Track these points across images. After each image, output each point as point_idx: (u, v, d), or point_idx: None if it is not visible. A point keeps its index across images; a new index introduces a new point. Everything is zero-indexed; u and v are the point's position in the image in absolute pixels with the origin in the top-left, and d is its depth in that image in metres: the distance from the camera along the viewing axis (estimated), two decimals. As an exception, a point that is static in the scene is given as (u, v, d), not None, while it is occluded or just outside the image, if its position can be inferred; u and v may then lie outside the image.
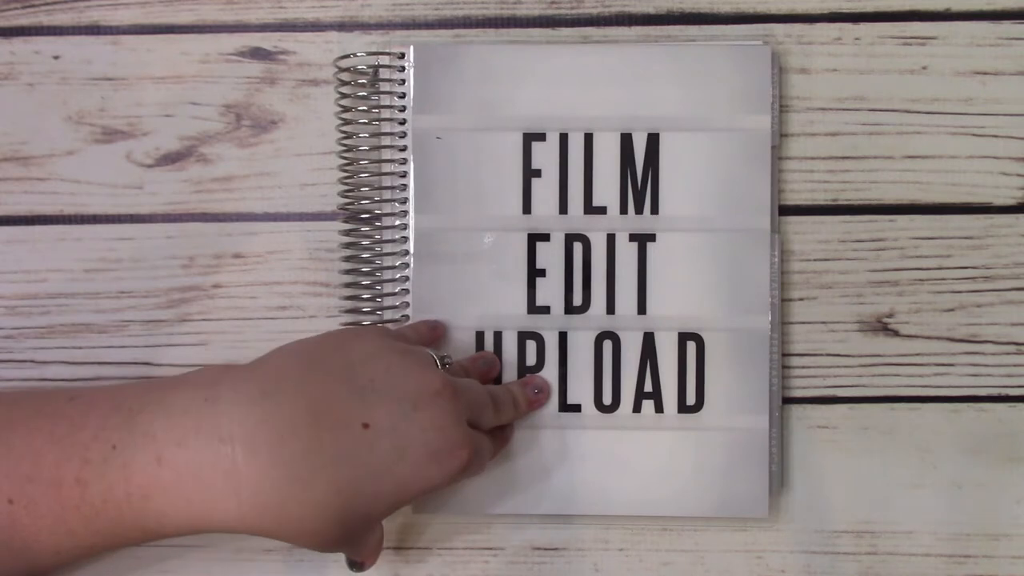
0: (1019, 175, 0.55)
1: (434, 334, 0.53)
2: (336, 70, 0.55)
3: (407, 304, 0.54)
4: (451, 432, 0.46)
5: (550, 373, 0.54)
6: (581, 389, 0.54)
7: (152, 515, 0.44)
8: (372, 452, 0.45)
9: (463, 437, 0.47)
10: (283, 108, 0.56)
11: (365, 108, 0.55)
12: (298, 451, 0.44)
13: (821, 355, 0.55)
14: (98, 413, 0.45)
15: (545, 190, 0.54)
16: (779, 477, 0.54)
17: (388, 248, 0.55)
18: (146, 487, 0.44)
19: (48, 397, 0.47)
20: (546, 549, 0.55)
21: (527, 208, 0.54)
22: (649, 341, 0.54)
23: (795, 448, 0.55)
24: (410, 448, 0.45)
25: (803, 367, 0.55)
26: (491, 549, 0.55)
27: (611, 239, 0.54)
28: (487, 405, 0.50)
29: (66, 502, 0.44)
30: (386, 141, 0.55)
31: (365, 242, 0.55)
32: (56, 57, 0.56)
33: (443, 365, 0.49)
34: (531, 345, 0.54)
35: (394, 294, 0.55)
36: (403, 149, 0.55)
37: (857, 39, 0.55)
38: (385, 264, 0.55)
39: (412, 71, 0.54)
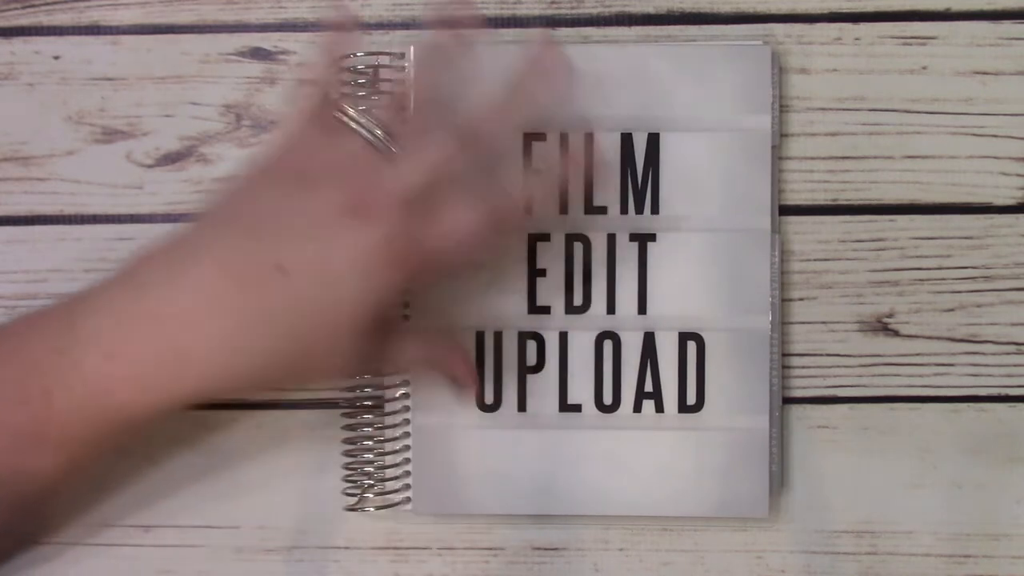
0: (1019, 175, 0.55)
1: (342, 38, 0.51)
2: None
3: (407, 304, 0.54)
4: (364, 193, 0.45)
5: (550, 373, 0.54)
6: (581, 389, 0.54)
7: (115, 408, 0.46)
8: (299, 287, 0.45)
9: (385, 196, 0.45)
10: (283, 108, 0.56)
11: (365, 108, 0.55)
12: (232, 313, 0.45)
13: (821, 355, 0.55)
14: (42, 328, 0.47)
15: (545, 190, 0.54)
16: (779, 477, 0.54)
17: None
18: (105, 383, 0.45)
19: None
20: (546, 549, 0.55)
21: (527, 208, 0.54)
22: (649, 341, 0.54)
23: (795, 448, 0.55)
24: (333, 252, 0.45)
25: (803, 367, 0.55)
26: (491, 549, 0.55)
27: (611, 239, 0.54)
28: (447, 152, 0.46)
29: (37, 415, 0.45)
30: (386, 141, 0.55)
31: (365, 242, 0.55)
32: (56, 57, 0.56)
33: (380, 136, 0.47)
34: (531, 345, 0.54)
35: (394, 294, 0.54)
36: (403, 149, 0.55)
37: (857, 39, 0.55)
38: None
39: (412, 71, 0.54)
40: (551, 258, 0.54)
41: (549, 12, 0.55)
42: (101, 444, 0.47)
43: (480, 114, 0.48)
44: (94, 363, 0.45)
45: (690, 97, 0.54)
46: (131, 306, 0.45)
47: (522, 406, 0.54)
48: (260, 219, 0.46)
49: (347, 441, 0.54)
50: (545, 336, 0.54)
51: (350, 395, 0.55)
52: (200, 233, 0.47)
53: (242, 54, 0.56)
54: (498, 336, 0.54)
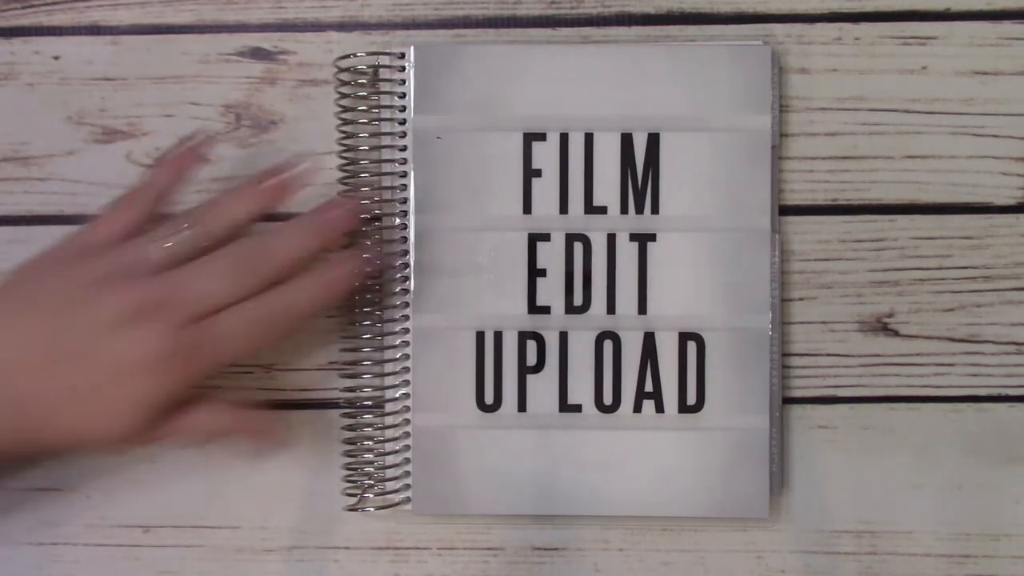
0: (1019, 175, 0.55)
1: (174, 173, 0.52)
2: (336, 70, 0.55)
3: (407, 304, 0.54)
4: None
5: (550, 373, 0.54)
6: (582, 389, 0.54)
7: None
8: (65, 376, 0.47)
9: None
10: (283, 108, 0.56)
11: (365, 108, 0.55)
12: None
13: (821, 355, 0.55)
14: None
15: (545, 190, 0.54)
16: (779, 477, 0.54)
17: (388, 248, 0.55)
18: None
19: None
20: (546, 549, 0.55)
21: (527, 208, 0.54)
22: (649, 341, 0.54)
23: (795, 448, 0.55)
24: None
25: (803, 367, 0.55)
26: (491, 549, 0.55)
27: (611, 239, 0.54)
28: (219, 278, 0.49)
29: None
30: (386, 141, 0.55)
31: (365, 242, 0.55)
32: (56, 57, 0.56)
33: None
34: (531, 345, 0.54)
35: (394, 294, 0.55)
36: (403, 149, 0.55)
37: (857, 39, 0.55)
38: (385, 264, 0.55)
39: (412, 71, 0.54)
40: (551, 258, 0.54)
41: (549, 12, 0.55)
42: None
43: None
44: None
45: (690, 97, 0.54)
46: None
47: (522, 406, 0.54)
48: (51, 307, 0.48)
49: (347, 441, 0.54)
50: (545, 336, 0.54)
51: (350, 395, 0.55)
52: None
53: (242, 54, 0.56)
54: (498, 336, 0.54)
